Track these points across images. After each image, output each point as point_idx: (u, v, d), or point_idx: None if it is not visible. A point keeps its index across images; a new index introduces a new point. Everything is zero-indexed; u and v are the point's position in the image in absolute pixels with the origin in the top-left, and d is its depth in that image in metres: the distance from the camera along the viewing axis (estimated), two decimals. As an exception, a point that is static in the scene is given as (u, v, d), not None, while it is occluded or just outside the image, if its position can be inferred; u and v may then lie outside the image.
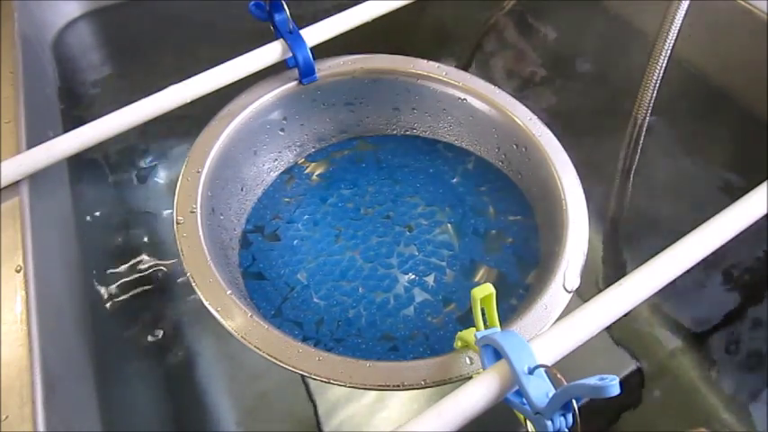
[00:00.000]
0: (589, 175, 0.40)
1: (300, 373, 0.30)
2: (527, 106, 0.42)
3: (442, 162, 0.47)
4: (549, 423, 0.23)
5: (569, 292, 0.34)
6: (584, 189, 0.38)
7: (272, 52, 0.43)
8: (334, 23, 0.44)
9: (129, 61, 0.63)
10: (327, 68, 0.44)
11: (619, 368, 0.40)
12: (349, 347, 0.37)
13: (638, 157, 0.49)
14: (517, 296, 0.39)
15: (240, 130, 0.42)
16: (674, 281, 0.31)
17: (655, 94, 0.45)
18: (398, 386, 0.30)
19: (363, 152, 0.48)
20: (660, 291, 0.31)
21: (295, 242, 0.42)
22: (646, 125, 0.47)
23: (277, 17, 0.42)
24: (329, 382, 0.30)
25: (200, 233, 0.36)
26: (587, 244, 0.36)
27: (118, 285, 0.45)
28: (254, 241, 0.42)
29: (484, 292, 0.28)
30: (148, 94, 0.41)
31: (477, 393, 0.26)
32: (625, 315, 0.30)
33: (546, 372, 0.25)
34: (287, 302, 0.39)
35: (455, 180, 0.46)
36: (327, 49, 0.45)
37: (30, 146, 0.40)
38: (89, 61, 0.63)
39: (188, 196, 0.37)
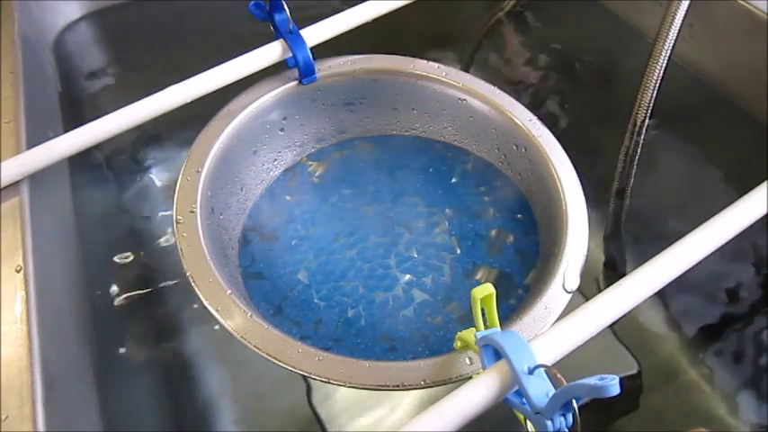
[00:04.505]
0: (589, 176, 0.40)
1: (300, 373, 0.30)
2: (527, 107, 0.42)
3: (441, 162, 0.47)
4: (549, 423, 0.23)
5: (569, 293, 0.34)
6: (584, 189, 0.38)
7: (272, 52, 0.43)
8: (334, 23, 0.44)
9: (130, 62, 0.63)
10: (327, 68, 0.44)
11: (619, 368, 0.40)
12: (348, 347, 0.37)
13: (638, 157, 0.49)
14: (517, 296, 0.39)
15: (240, 130, 0.42)
16: (676, 280, 0.31)
17: (655, 95, 0.45)
18: (398, 386, 0.30)
19: (363, 152, 0.48)
20: (661, 291, 0.31)
21: (294, 242, 0.42)
22: (646, 125, 0.47)
23: (277, 17, 0.42)
24: (329, 382, 0.30)
25: (200, 233, 0.36)
26: (587, 244, 0.36)
27: (118, 285, 0.45)
28: (254, 241, 0.42)
29: (484, 291, 0.28)
30: (148, 94, 0.41)
31: (477, 393, 0.26)
32: (625, 315, 0.30)
33: (546, 372, 0.25)
34: (287, 302, 0.39)
35: (455, 180, 0.46)
36: (327, 49, 0.45)
37: (30, 146, 0.40)
38: (89, 62, 0.63)
39: (188, 196, 0.38)
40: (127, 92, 0.58)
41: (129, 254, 0.47)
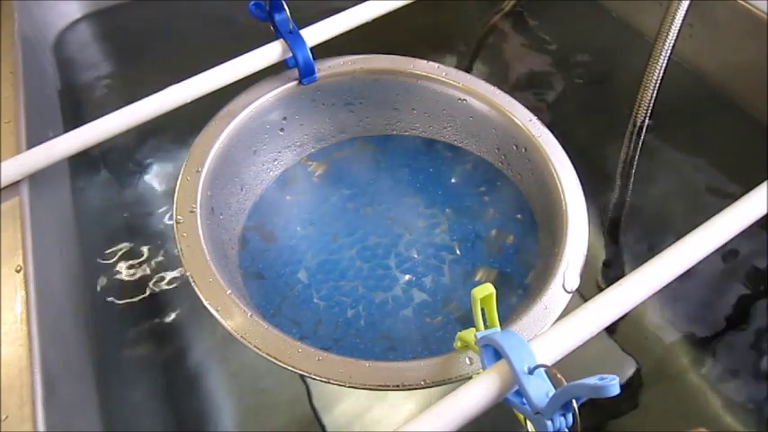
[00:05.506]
0: (589, 176, 0.40)
1: (300, 373, 0.30)
2: (527, 107, 0.42)
3: (441, 162, 0.47)
4: (549, 423, 0.23)
5: (569, 293, 0.34)
6: (584, 189, 0.38)
7: (272, 52, 0.43)
8: (334, 23, 0.44)
9: (130, 62, 0.63)
10: (327, 68, 0.44)
11: (618, 368, 0.40)
12: (347, 348, 0.37)
13: (637, 157, 0.49)
14: (517, 296, 0.39)
15: (240, 130, 0.42)
16: (675, 280, 0.31)
17: (655, 95, 0.45)
18: (398, 386, 0.30)
19: (363, 152, 0.48)
20: (660, 291, 0.31)
21: (294, 242, 0.42)
22: (645, 125, 0.47)
23: (277, 17, 0.42)
24: (329, 382, 0.30)
25: (200, 233, 0.36)
26: (587, 244, 0.36)
27: (118, 285, 0.45)
28: (254, 241, 0.42)
29: (484, 291, 0.28)
30: (148, 94, 0.41)
31: (477, 393, 0.26)
32: (625, 315, 0.30)
33: (546, 372, 0.25)
34: (286, 302, 0.39)
35: (455, 180, 0.46)
36: (327, 49, 0.45)
37: (30, 146, 0.40)
38: (89, 62, 0.63)
39: (188, 196, 0.38)
40: (127, 92, 0.58)
41: (128, 253, 0.47)
